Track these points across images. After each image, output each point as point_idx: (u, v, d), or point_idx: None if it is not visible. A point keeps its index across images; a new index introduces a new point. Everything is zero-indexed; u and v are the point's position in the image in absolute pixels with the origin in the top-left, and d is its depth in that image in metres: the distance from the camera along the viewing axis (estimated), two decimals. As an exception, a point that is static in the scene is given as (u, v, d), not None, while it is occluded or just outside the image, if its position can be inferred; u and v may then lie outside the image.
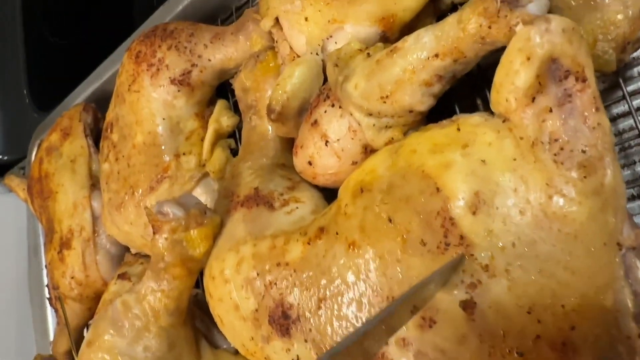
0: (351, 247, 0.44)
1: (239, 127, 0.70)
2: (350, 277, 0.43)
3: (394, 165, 0.44)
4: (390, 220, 0.42)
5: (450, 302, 0.39)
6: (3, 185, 1.04)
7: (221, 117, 0.68)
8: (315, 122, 0.48)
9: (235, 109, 0.70)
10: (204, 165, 0.67)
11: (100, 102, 0.86)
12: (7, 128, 1.21)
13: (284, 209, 0.52)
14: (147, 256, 0.75)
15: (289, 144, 0.57)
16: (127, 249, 0.78)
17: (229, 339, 0.54)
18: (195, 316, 0.63)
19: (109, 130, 0.72)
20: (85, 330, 0.83)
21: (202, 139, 0.68)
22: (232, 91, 0.71)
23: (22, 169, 1.12)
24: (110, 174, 0.70)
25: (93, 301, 0.78)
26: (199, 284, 0.67)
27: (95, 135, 0.84)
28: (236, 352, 0.60)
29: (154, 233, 0.53)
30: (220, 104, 0.69)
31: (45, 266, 0.85)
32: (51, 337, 0.92)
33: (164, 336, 0.55)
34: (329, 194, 0.54)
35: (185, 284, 0.54)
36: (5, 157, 1.19)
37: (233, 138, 0.70)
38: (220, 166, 0.66)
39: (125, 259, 0.77)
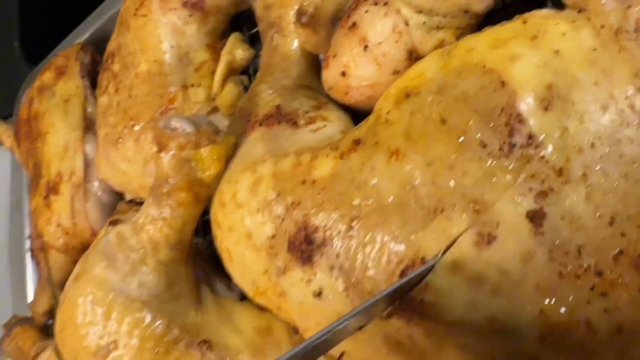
0: (394, 156, 0.38)
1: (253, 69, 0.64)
2: (391, 191, 0.37)
3: (447, 66, 0.38)
4: (443, 122, 0.36)
5: (515, 214, 0.33)
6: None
7: (235, 50, 0.62)
8: (354, 24, 0.42)
9: (251, 42, 0.65)
10: (213, 99, 0.61)
11: (100, 46, 0.80)
12: (-4, 83, 1.13)
13: (310, 126, 0.45)
14: (141, 204, 0.68)
15: (314, 65, 0.51)
16: (120, 198, 0.71)
17: (236, 277, 0.47)
18: (196, 264, 0.56)
19: (109, 61, 0.66)
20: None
21: (213, 73, 0.62)
22: (248, 25, 0.65)
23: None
24: (109, 107, 0.64)
25: (79, 253, 0.69)
26: (198, 232, 0.61)
27: (92, 78, 0.77)
28: (241, 299, 0.53)
29: (159, 151, 0.47)
30: (235, 36, 0.63)
31: (29, 214, 0.77)
32: (30, 300, 0.84)
33: (163, 272, 0.48)
34: (357, 121, 0.48)
35: (191, 212, 0.48)
36: (-6, 114, 1.11)
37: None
38: (231, 100, 0.60)
39: (117, 208, 0.70)
